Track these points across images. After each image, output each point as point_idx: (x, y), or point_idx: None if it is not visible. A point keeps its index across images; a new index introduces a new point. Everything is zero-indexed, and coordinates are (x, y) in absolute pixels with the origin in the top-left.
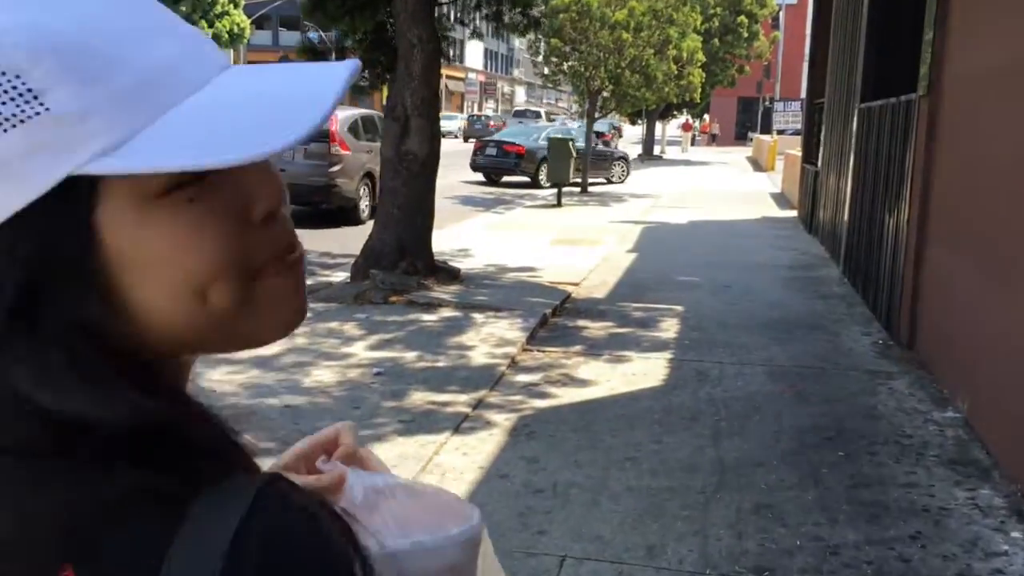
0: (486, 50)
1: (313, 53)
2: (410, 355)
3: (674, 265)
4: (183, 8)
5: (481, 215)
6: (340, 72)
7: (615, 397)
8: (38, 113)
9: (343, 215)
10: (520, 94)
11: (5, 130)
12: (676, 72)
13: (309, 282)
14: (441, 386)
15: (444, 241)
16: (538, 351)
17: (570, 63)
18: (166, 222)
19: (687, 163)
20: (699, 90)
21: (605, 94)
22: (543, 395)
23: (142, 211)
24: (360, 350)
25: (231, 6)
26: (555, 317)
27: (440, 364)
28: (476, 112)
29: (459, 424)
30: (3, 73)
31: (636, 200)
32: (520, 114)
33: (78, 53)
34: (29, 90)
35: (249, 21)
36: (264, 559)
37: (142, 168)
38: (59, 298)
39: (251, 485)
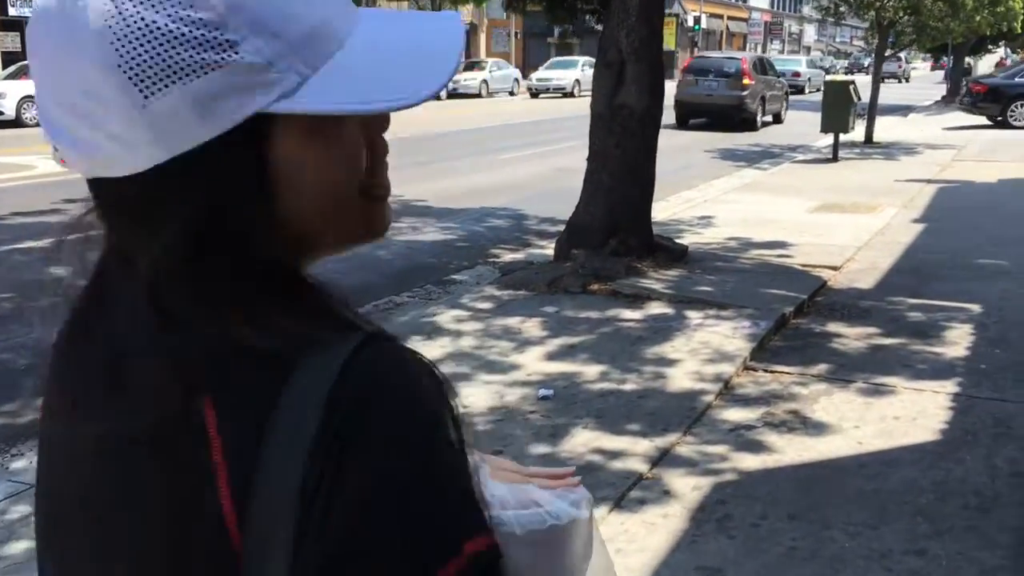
0: None
1: None
2: (592, 370)
3: (974, 242)
4: None
5: (740, 171)
6: (455, 27)
7: (862, 458)
8: (233, 60)
9: (747, 124)
10: (810, 33)
11: (207, 72)
12: None
13: (519, 256)
14: (618, 423)
15: (682, 207)
16: (764, 371)
17: None
18: (320, 146)
19: None
20: (1020, 18)
21: (901, 27)
22: (756, 447)
23: (304, 140)
24: (533, 360)
25: None
26: (798, 317)
27: (626, 387)
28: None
29: (626, 492)
30: (206, 25)
31: (933, 152)
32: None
33: (262, 9)
34: (228, 40)
35: None
36: (359, 393)
37: (324, 110)
38: (238, 215)
39: (356, 339)
